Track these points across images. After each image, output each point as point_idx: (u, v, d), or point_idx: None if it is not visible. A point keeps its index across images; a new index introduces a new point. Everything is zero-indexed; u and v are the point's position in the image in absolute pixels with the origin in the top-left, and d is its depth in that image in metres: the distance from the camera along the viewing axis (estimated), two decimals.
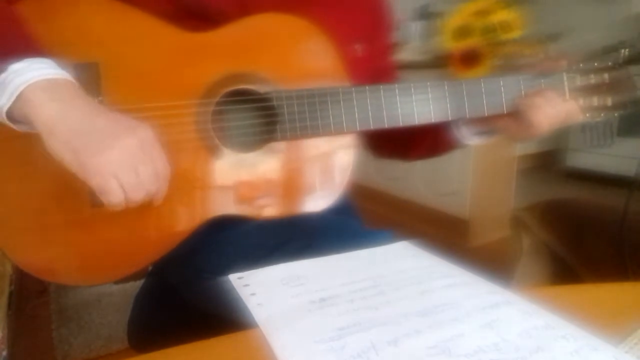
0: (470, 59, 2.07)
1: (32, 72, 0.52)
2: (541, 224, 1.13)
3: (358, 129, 0.69)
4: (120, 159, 0.53)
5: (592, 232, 1.03)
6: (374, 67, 0.81)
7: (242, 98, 0.67)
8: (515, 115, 0.75)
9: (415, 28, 2.78)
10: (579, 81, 0.77)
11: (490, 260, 1.86)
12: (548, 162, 3.28)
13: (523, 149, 2.49)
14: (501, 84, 0.74)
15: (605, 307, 0.50)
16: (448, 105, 0.72)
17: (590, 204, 1.12)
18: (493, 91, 0.74)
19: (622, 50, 0.78)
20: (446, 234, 2.16)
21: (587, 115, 0.79)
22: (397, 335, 0.39)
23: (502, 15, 2.12)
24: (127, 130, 0.54)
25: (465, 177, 2.13)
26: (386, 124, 0.70)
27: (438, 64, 2.23)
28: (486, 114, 0.74)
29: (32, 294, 1.58)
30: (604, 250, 0.99)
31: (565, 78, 0.77)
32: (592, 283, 0.91)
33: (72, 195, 0.61)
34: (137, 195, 0.56)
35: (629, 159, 2.64)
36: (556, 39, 1.96)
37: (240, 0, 0.67)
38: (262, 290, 0.47)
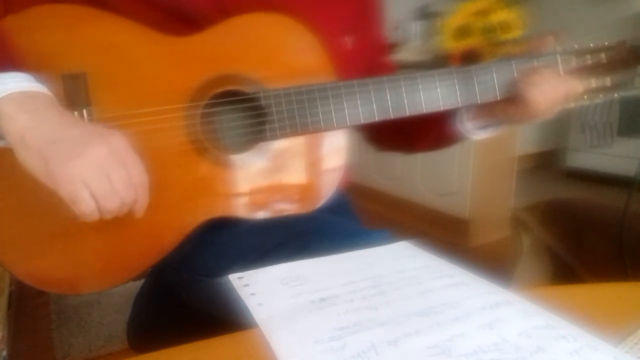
0: (470, 59, 2.07)
1: (5, 85, 0.52)
2: (541, 224, 1.13)
3: (349, 124, 0.69)
4: (90, 167, 0.52)
5: (592, 232, 1.03)
6: (367, 61, 0.80)
7: (230, 99, 0.67)
8: (512, 97, 0.73)
9: (415, 28, 2.78)
10: (575, 63, 0.75)
11: (490, 260, 1.86)
12: (548, 162, 3.28)
13: (523, 149, 2.49)
14: (493, 69, 0.73)
15: (605, 307, 0.50)
16: (440, 96, 0.72)
17: (590, 204, 1.12)
18: (486, 78, 0.73)
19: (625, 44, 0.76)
20: (446, 234, 2.16)
21: (586, 97, 0.77)
22: (397, 335, 0.39)
23: (502, 15, 2.12)
24: (99, 139, 0.54)
25: (465, 177, 2.13)
26: (376, 117, 0.70)
27: (438, 64, 2.23)
28: (479, 101, 0.73)
29: (32, 294, 1.58)
30: (604, 250, 0.99)
31: (559, 59, 0.75)
32: (592, 283, 0.91)
33: (65, 204, 0.61)
34: (111, 204, 0.54)
35: (629, 159, 2.64)
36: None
37: (219, 1, 0.67)
38: (262, 290, 0.47)
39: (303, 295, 0.46)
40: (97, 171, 0.53)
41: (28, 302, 1.56)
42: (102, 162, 0.53)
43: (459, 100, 0.73)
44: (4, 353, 1.19)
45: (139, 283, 1.00)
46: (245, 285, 0.48)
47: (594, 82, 0.76)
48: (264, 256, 0.59)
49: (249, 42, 0.67)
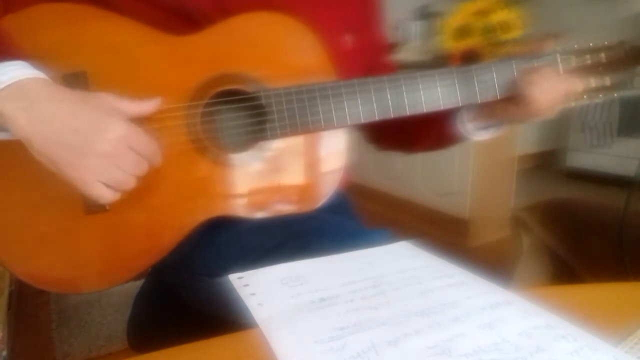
0: (470, 59, 2.07)
1: None
2: (541, 224, 1.13)
3: (349, 123, 0.69)
4: (100, 165, 0.54)
5: (592, 232, 1.03)
6: (368, 61, 0.80)
7: (230, 99, 0.67)
8: (512, 97, 0.73)
9: (415, 28, 2.78)
10: (575, 62, 0.76)
11: (490, 260, 1.86)
12: (548, 162, 3.28)
13: (523, 149, 2.49)
14: (493, 69, 0.73)
15: (605, 307, 0.50)
16: (440, 96, 0.72)
17: (590, 204, 1.12)
18: (486, 77, 0.73)
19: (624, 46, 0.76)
20: (446, 234, 2.16)
21: (585, 97, 0.77)
22: (397, 335, 0.39)
23: (502, 15, 2.12)
24: (99, 133, 0.54)
25: (465, 177, 2.13)
26: (377, 116, 0.70)
27: (438, 64, 2.23)
28: (479, 101, 0.73)
29: (32, 294, 1.58)
30: (604, 250, 0.99)
31: (559, 59, 0.75)
32: (592, 283, 0.91)
33: (65, 203, 0.61)
34: (128, 185, 0.57)
35: (629, 159, 2.64)
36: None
37: (220, 0, 0.67)
38: (262, 290, 0.47)
39: (303, 295, 0.46)
40: (107, 166, 0.55)
41: (28, 302, 1.56)
42: (107, 156, 0.55)
43: (459, 99, 0.73)
44: (4, 353, 1.19)
45: (139, 283, 1.00)
46: (245, 285, 0.48)
47: (593, 82, 0.77)
48: (264, 256, 0.59)
49: (250, 41, 0.67)
